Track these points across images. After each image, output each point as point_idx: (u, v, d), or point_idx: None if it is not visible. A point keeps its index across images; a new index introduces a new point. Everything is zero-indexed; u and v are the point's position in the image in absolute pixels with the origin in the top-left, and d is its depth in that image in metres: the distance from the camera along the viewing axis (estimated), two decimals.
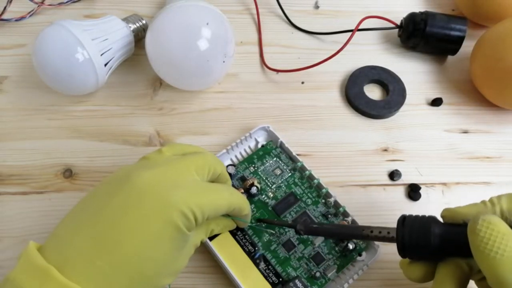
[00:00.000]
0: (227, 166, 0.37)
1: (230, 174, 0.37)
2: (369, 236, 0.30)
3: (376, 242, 0.34)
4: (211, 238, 0.34)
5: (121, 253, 0.25)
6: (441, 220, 0.29)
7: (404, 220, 0.29)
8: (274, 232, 0.36)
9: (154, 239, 0.26)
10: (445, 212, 0.28)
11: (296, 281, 0.33)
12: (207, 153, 0.33)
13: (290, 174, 0.39)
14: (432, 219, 0.28)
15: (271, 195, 0.37)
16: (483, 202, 0.27)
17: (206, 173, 0.31)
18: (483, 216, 0.25)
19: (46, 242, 0.27)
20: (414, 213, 0.29)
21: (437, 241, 0.27)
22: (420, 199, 0.39)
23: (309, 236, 0.35)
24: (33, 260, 0.25)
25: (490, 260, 0.24)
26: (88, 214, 0.27)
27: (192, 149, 0.33)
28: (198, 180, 0.30)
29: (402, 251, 0.29)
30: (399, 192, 0.40)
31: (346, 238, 0.33)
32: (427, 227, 0.27)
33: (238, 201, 0.31)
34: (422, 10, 0.47)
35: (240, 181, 0.38)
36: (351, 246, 0.34)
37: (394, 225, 0.29)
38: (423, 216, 0.29)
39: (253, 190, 0.36)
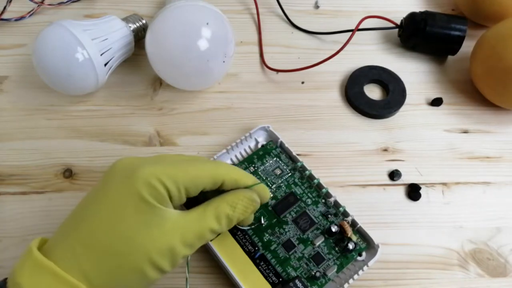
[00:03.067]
0: None
1: None
2: None
3: (377, 242, 0.34)
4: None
5: (87, 229, 0.26)
6: None
7: None
8: (274, 231, 0.36)
9: (118, 211, 0.26)
10: None
11: (296, 281, 0.33)
12: (223, 163, 0.30)
13: (290, 174, 0.39)
14: None
15: (271, 195, 0.37)
16: None
17: (209, 184, 0.29)
18: None
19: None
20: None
21: None
22: (420, 199, 0.39)
23: (309, 236, 0.35)
24: (28, 250, 0.26)
25: None
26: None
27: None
28: (181, 156, 0.29)
29: None
30: (399, 192, 0.40)
31: None
32: None
33: (227, 173, 0.29)
34: (422, 10, 0.47)
35: None
36: (351, 246, 0.34)
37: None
38: None
39: None
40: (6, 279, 0.26)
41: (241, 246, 0.34)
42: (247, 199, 0.30)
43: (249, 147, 0.41)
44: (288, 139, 0.40)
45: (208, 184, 0.28)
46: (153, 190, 0.26)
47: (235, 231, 0.35)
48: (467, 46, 0.46)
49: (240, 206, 0.29)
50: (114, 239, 0.26)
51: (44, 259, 0.25)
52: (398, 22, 0.48)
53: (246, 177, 0.30)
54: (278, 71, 0.46)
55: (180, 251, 0.27)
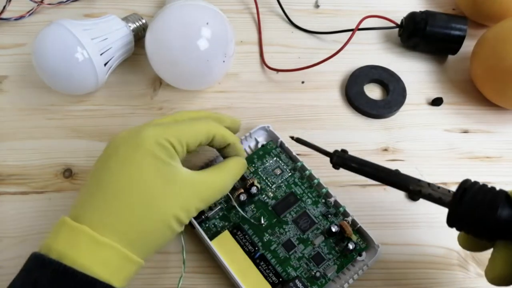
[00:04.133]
0: None
1: None
2: (421, 192, 0.26)
3: (377, 242, 0.34)
4: (211, 238, 0.34)
5: (112, 194, 0.28)
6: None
7: (466, 188, 0.25)
8: (274, 231, 0.36)
9: (138, 173, 0.29)
10: None
11: (296, 281, 0.33)
12: (212, 121, 0.34)
13: (290, 174, 0.39)
14: (502, 196, 0.24)
15: (271, 195, 0.37)
16: None
17: (204, 139, 0.32)
18: None
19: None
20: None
21: (501, 225, 0.24)
22: (420, 199, 0.39)
23: (309, 236, 0.35)
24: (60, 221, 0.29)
25: None
26: (88, 177, 0.31)
27: (200, 115, 0.35)
28: (170, 117, 0.33)
29: (450, 222, 0.26)
30: (399, 192, 0.40)
31: (387, 185, 0.29)
32: (494, 206, 0.24)
33: (217, 130, 0.33)
34: (423, 9, 0.47)
35: (240, 181, 0.38)
36: (351, 246, 0.34)
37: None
38: (492, 190, 0.25)
39: (253, 190, 0.36)
40: (34, 252, 0.27)
41: (241, 246, 0.34)
42: (243, 164, 0.36)
43: (249, 147, 0.41)
44: (288, 139, 0.40)
45: (203, 139, 0.32)
46: (163, 148, 0.30)
47: (235, 231, 0.35)
48: (467, 46, 0.46)
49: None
50: (140, 198, 0.29)
51: (79, 225, 0.27)
52: (399, 22, 0.48)
53: (230, 134, 0.34)
54: (278, 70, 0.46)
55: (196, 205, 0.31)
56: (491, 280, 0.25)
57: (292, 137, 0.35)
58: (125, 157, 0.30)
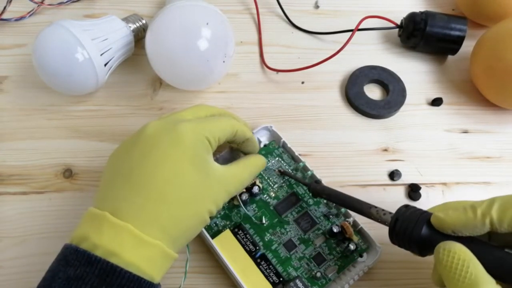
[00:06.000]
0: None
1: None
2: (372, 215, 0.31)
3: (378, 243, 0.34)
4: (212, 237, 0.34)
5: (151, 188, 0.28)
6: None
7: (402, 209, 0.30)
8: (275, 231, 0.36)
9: (179, 168, 0.29)
10: (434, 220, 0.28)
11: (297, 281, 0.33)
12: (231, 117, 0.35)
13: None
14: (427, 217, 0.28)
15: (273, 195, 0.37)
16: (473, 209, 0.27)
17: (230, 134, 0.33)
18: (444, 244, 0.26)
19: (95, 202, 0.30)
20: None
21: (422, 241, 0.28)
22: (420, 199, 0.39)
23: (310, 236, 0.35)
24: (91, 212, 0.28)
25: (455, 286, 0.25)
26: (120, 169, 0.30)
27: (219, 111, 0.36)
28: (192, 113, 0.34)
29: (390, 237, 0.30)
30: (399, 192, 0.40)
31: (351, 209, 0.33)
32: (419, 226, 0.28)
33: (239, 125, 0.34)
34: (422, 9, 0.47)
35: None
36: (352, 247, 0.34)
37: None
38: (420, 212, 0.29)
39: (255, 189, 0.36)
40: (76, 247, 0.27)
41: (242, 246, 0.34)
42: (264, 162, 0.37)
43: None
44: (288, 139, 0.40)
45: (230, 135, 0.33)
46: (201, 144, 0.30)
47: (236, 230, 0.35)
48: (467, 46, 0.46)
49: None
50: (181, 194, 0.29)
51: (123, 222, 0.27)
52: (398, 22, 0.48)
53: (247, 129, 0.36)
54: (278, 71, 0.46)
55: (224, 198, 0.32)
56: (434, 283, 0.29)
57: (281, 172, 0.38)
58: (166, 153, 0.30)
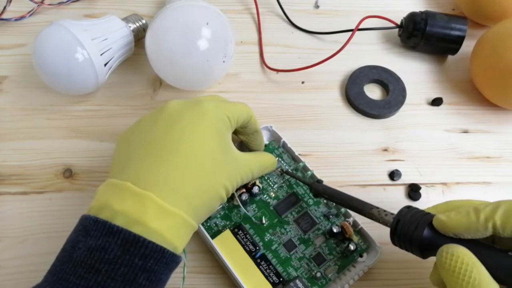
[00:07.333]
0: None
1: None
2: (373, 216, 0.31)
3: (378, 243, 0.34)
4: (212, 237, 0.34)
5: (179, 155, 0.29)
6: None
7: (404, 210, 0.30)
8: (275, 231, 0.36)
9: (203, 143, 0.30)
10: (436, 223, 0.28)
11: (297, 281, 0.33)
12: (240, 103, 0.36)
13: None
14: (429, 219, 0.28)
15: (273, 195, 0.37)
16: (476, 212, 0.26)
17: (246, 119, 0.34)
18: (447, 247, 0.26)
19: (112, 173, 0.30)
20: None
21: (424, 243, 0.28)
22: (420, 199, 0.39)
23: (310, 236, 0.35)
24: (110, 183, 0.28)
25: None
26: (142, 142, 0.30)
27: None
28: (215, 97, 0.35)
29: (391, 238, 0.30)
30: (399, 192, 0.40)
31: (352, 210, 0.33)
32: (420, 228, 0.28)
33: (253, 112, 0.35)
34: (422, 9, 0.47)
35: None
36: (352, 247, 0.34)
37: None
38: (422, 214, 0.29)
39: (255, 189, 0.36)
40: (96, 217, 0.27)
41: (242, 246, 0.34)
42: (274, 161, 0.38)
43: None
44: (288, 139, 0.40)
45: (246, 119, 0.34)
46: (223, 121, 0.32)
47: (236, 231, 0.35)
48: (467, 46, 0.46)
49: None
50: (204, 166, 0.30)
51: (145, 192, 0.27)
52: (398, 22, 0.48)
53: (257, 121, 0.36)
54: (278, 71, 0.46)
55: (237, 180, 0.32)
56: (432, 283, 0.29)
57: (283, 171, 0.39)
58: (190, 126, 0.30)
